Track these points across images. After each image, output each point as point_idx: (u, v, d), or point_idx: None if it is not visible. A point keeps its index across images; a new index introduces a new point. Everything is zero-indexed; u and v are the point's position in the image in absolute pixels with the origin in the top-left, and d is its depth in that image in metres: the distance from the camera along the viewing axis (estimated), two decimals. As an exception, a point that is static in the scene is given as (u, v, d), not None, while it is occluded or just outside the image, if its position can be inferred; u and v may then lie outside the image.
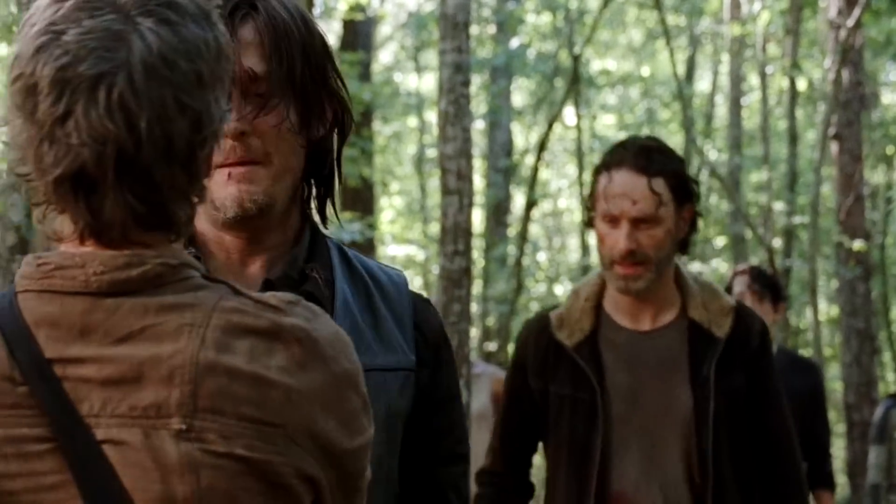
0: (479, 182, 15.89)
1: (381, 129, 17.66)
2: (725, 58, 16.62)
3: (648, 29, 18.02)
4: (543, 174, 17.65)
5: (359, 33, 13.16)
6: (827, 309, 16.30)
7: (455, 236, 6.73)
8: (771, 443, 3.12)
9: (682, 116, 13.44)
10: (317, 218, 1.92)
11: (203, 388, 1.30)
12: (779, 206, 14.45)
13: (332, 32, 13.55)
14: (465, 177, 6.81)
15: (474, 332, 13.62)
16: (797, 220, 13.21)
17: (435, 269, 15.12)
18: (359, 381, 1.42)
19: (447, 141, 6.75)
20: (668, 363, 3.07)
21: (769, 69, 15.06)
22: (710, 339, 3.07)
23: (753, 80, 16.79)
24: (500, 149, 16.27)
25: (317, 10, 10.34)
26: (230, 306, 1.36)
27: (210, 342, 1.32)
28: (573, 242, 19.82)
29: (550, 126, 12.06)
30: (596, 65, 17.97)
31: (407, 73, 19.03)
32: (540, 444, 3.24)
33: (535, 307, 16.07)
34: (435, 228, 14.65)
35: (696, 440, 3.01)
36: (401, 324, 1.88)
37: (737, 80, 15.32)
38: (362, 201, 12.82)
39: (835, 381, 14.62)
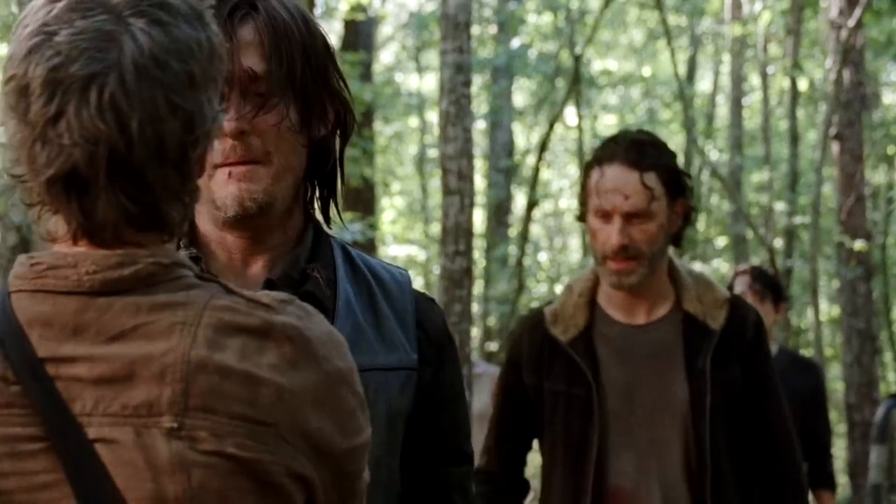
0: (480, 182, 15.90)
1: (383, 130, 17.66)
2: (726, 58, 16.63)
3: (649, 29, 18.03)
4: (545, 174, 17.67)
5: (360, 33, 13.17)
6: (828, 309, 16.30)
7: (456, 236, 6.73)
8: (769, 439, 3.11)
9: (683, 116, 13.44)
10: (320, 218, 1.92)
11: (194, 387, 1.30)
12: (780, 206, 14.44)
13: (333, 33, 13.56)
14: (466, 177, 6.82)
15: (475, 333, 13.63)
16: (798, 220, 13.20)
17: (436, 270, 15.13)
18: (353, 381, 1.42)
19: (448, 141, 6.75)
20: (664, 356, 3.06)
21: (770, 69, 15.06)
22: (705, 332, 3.06)
23: (754, 80, 16.80)
24: (502, 149, 16.28)
25: (318, 11, 10.34)
26: (222, 304, 1.36)
27: (201, 340, 1.32)
28: (574, 243, 19.83)
29: (552, 126, 12.05)
30: (597, 65, 17.98)
31: (408, 74, 19.04)
32: (535, 444, 3.23)
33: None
34: (436, 229, 14.64)
35: (693, 433, 2.99)
36: (403, 323, 1.88)
37: (738, 80, 15.33)
38: (363, 201, 12.84)
39: (836, 382, 14.62)
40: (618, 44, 19.26)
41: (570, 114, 16.12)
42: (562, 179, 20.05)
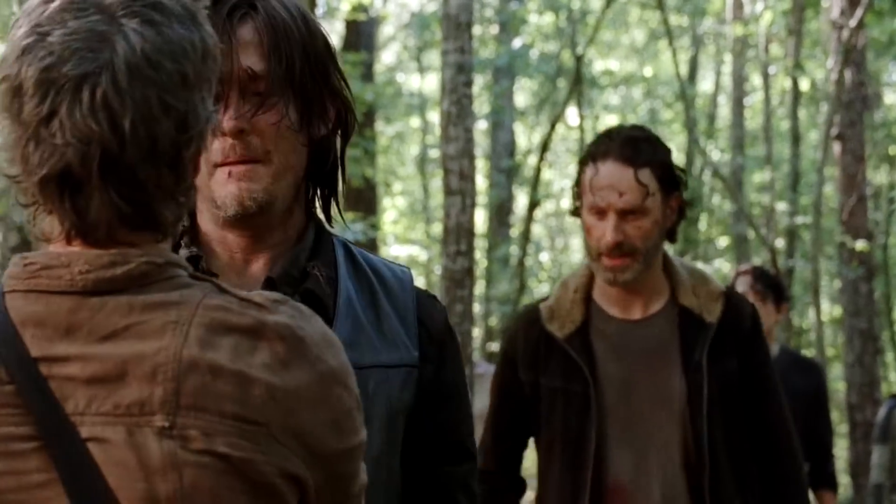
0: (481, 182, 15.92)
1: (384, 130, 17.68)
2: (728, 58, 16.63)
3: (651, 29, 18.03)
4: (546, 174, 17.68)
5: (361, 34, 13.18)
6: (830, 309, 16.30)
7: (458, 237, 6.74)
8: (769, 438, 3.10)
9: (684, 117, 13.44)
10: (322, 216, 1.92)
11: (186, 386, 1.31)
12: (781, 206, 14.45)
13: (334, 33, 13.57)
14: (467, 177, 6.82)
15: (477, 333, 13.63)
16: (800, 220, 13.20)
17: (438, 270, 15.13)
18: (348, 381, 1.41)
19: (450, 141, 6.76)
20: (660, 351, 3.05)
21: (772, 69, 15.05)
22: (702, 325, 3.05)
23: (756, 80, 16.80)
24: (503, 149, 16.30)
25: (319, 11, 10.35)
26: (214, 304, 1.36)
27: (193, 339, 1.32)
28: (576, 243, 19.84)
29: (553, 126, 12.05)
30: (599, 65, 18.00)
31: (409, 74, 19.06)
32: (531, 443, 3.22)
33: (538, 307, 16.03)
34: (437, 229, 14.65)
35: (691, 426, 2.98)
36: (404, 320, 1.88)
37: (739, 80, 15.33)
38: (365, 202, 12.85)
39: (837, 382, 14.61)
40: (619, 44, 19.28)
41: (572, 114, 16.14)
42: (563, 180, 20.05)
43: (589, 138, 16.38)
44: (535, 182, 12.20)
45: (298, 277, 1.81)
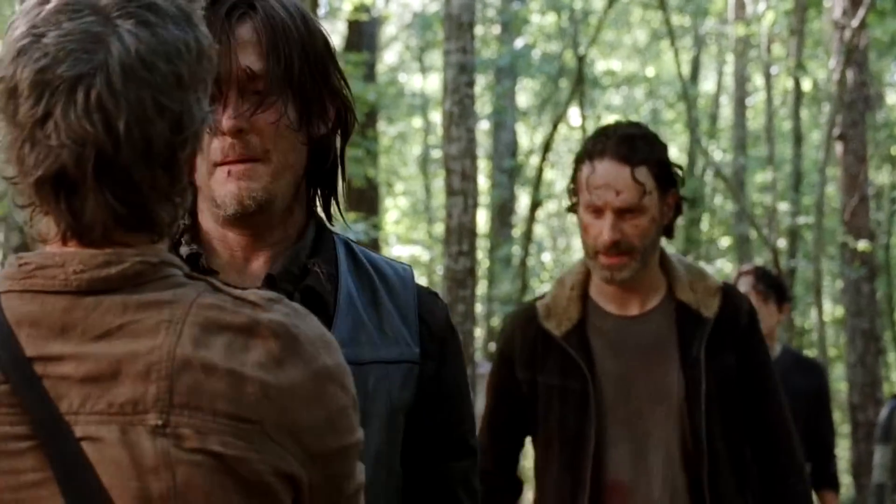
0: (483, 182, 15.91)
1: (386, 130, 17.68)
2: (730, 58, 16.64)
3: (653, 29, 18.03)
4: (548, 175, 17.66)
5: (363, 34, 13.19)
6: (831, 309, 16.30)
7: (460, 237, 6.74)
8: (769, 435, 3.09)
9: (686, 117, 13.43)
10: (323, 215, 1.92)
11: (179, 384, 1.31)
12: (783, 206, 14.45)
13: (336, 33, 13.58)
14: (469, 177, 6.83)
15: (479, 333, 13.62)
16: (802, 220, 13.20)
17: (440, 270, 15.13)
18: (344, 379, 1.41)
19: (452, 141, 6.76)
20: (658, 346, 3.05)
21: (774, 69, 15.05)
22: (699, 320, 3.03)
23: (758, 80, 16.79)
24: (505, 149, 16.29)
25: (321, 11, 10.35)
26: (208, 303, 1.36)
27: (187, 338, 1.32)
28: (578, 243, 19.74)
29: (555, 126, 12.06)
30: (601, 65, 18.00)
31: (411, 74, 19.06)
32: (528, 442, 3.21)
33: (539, 308, 16.03)
34: (439, 229, 14.66)
35: (689, 422, 2.97)
36: (405, 317, 1.88)
37: (741, 80, 15.34)
38: (367, 202, 12.85)
39: (839, 382, 14.62)
40: (621, 44, 19.27)
41: (574, 114, 16.12)
42: (565, 180, 19.96)
43: (591, 139, 16.43)
44: (537, 182, 12.20)
45: (299, 274, 1.82)
